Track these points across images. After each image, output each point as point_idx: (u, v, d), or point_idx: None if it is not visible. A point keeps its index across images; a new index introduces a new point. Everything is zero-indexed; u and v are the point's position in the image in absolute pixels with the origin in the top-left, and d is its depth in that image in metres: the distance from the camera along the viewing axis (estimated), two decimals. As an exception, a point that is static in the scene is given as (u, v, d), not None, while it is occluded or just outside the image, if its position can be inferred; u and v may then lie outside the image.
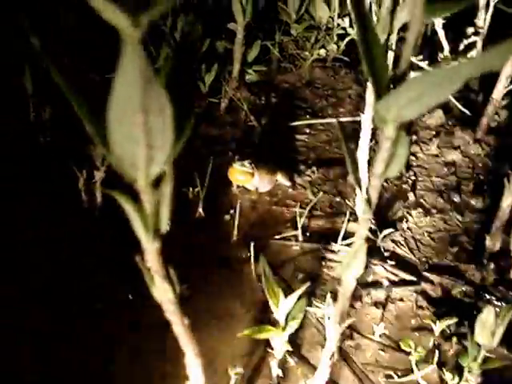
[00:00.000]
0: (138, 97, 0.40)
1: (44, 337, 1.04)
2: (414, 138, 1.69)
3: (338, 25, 1.93)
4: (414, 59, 1.75)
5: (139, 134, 0.44)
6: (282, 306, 0.84)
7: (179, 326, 0.61)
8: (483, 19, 1.79)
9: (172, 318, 0.60)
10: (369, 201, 0.67)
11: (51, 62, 0.44)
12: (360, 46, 0.58)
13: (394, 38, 1.68)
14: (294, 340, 0.96)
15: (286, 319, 0.87)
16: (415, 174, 1.55)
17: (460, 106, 1.80)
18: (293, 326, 0.87)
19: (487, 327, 0.87)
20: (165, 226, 0.54)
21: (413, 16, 0.54)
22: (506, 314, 0.87)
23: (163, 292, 0.57)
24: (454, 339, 1.05)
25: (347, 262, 0.72)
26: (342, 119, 1.71)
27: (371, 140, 1.22)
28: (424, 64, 1.70)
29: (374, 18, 1.43)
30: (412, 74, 1.58)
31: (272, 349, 0.92)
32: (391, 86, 0.61)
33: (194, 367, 0.66)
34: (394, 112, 0.58)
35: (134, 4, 0.39)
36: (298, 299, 0.88)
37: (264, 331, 0.87)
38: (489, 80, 1.64)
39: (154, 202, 0.51)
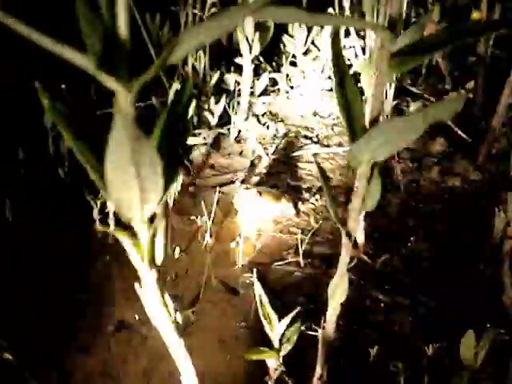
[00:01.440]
0: (129, 153, 0.48)
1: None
2: (416, 165, 1.75)
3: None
4: (414, 89, 1.82)
5: (133, 182, 0.51)
6: (276, 328, 0.91)
7: (176, 348, 0.68)
8: (483, 51, 1.86)
9: (169, 340, 0.67)
10: (348, 233, 0.73)
11: (49, 107, 0.52)
12: (336, 93, 0.65)
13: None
14: (293, 361, 1.02)
15: (281, 342, 0.93)
16: (417, 201, 1.61)
17: (461, 133, 1.86)
18: (287, 347, 0.93)
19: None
20: (160, 258, 0.61)
21: (378, 70, 0.62)
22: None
23: (159, 316, 0.64)
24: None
25: (332, 289, 0.79)
26: (347, 148, 1.78)
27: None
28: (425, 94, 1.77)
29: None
30: (413, 106, 1.63)
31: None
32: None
33: (190, 384, 0.72)
34: (367, 154, 0.64)
35: (127, 69, 0.47)
36: (293, 322, 0.95)
37: (260, 353, 0.93)
38: (490, 107, 1.70)
39: (150, 237, 0.58)
